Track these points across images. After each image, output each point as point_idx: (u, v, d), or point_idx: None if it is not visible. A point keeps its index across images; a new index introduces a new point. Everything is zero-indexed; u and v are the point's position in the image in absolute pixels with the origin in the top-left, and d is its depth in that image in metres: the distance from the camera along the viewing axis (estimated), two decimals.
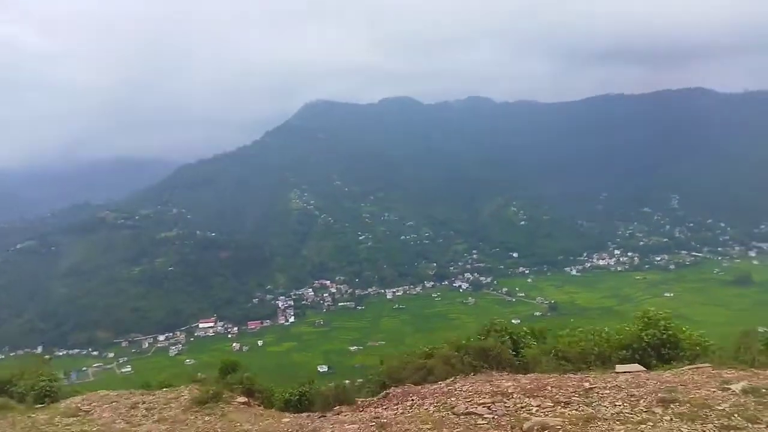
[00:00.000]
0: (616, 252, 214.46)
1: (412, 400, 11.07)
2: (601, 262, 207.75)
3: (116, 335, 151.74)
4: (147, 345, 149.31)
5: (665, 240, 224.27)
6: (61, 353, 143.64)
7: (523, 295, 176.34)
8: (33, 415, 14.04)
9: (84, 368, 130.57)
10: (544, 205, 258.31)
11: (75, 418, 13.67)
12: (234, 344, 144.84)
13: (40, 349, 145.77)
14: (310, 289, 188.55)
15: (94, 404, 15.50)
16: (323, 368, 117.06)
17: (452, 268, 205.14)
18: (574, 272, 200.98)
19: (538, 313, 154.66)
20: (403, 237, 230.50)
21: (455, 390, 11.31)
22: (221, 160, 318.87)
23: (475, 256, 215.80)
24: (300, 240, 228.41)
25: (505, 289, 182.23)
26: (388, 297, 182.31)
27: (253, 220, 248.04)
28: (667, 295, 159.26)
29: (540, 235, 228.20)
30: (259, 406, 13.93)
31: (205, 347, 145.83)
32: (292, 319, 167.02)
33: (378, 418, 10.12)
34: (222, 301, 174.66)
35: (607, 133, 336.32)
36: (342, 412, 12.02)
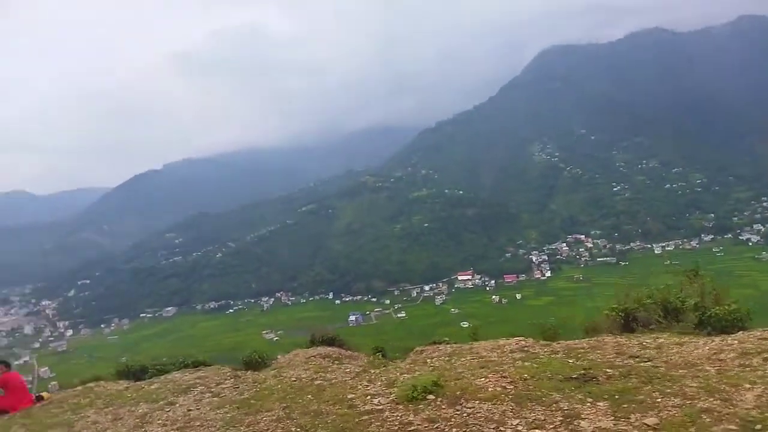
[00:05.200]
0: None
1: None
2: None
3: (388, 285, 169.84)
4: (415, 294, 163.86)
5: None
6: (347, 299, 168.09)
7: None
8: None
9: (367, 312, 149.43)
10: None
11: None
12: (493, 297, 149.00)
13: (330, 296, 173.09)
14: (564, 244, 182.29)
15: None
16: None
17: (735, 218, 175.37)
18: None
19: None
20: (668, 186, 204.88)
21: None
22: (459, 120, 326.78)
23: (765, 204, 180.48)
24: (546, 194, 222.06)
25: None
26: (656, 252, 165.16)
27: (495, 177, 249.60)
28: None
29: None
30: None
31: (466, 298, 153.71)
32: (548, 274, 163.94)
33: None
34: (475, 256, 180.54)
35: None
36: None
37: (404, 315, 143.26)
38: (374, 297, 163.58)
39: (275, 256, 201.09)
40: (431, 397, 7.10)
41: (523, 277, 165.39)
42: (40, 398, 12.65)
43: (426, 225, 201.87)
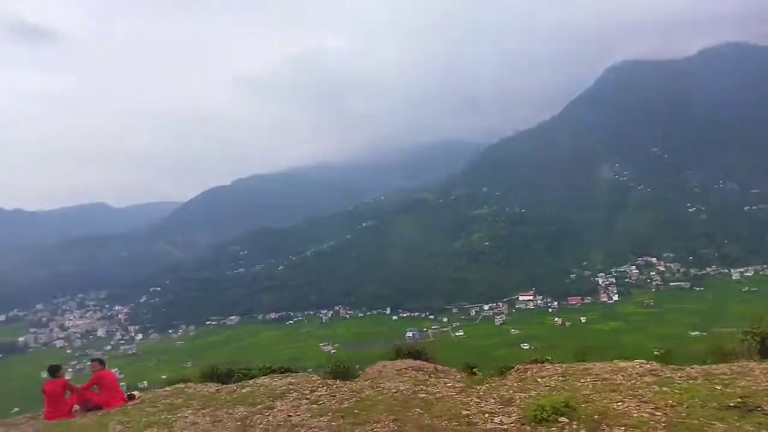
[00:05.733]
0: None
1: None
2: None
3: (446, 302, 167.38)
4: (474, 313, 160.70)
5: None
6: (404, 315, 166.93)
7: None
8: None
9: (424, 329, 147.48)
10: None
11: None
12: (556, 319, 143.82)
13: (387, 311, 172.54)
14: (633, 267, 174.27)
15: None
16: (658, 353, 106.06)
17: None
18: None
19: None
20: (747, 208, 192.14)
21: None
22: (523, 137, 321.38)
23: None
24: (614, 214, 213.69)
25: None
26: (733, 277, 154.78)
27: (560, 196, 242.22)
28: None
29: None
30: None
31: (527, 319, 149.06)
32: (615, 298, 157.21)
33: None
34: (537, 276, 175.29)
35: None
36: None
37: (462, 334, 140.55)
38: (432, 314, 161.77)
39: (334, 270, 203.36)
40: (563, 419, 6.42)
41: (588, 299, 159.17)
42: (131, 397, 12.82)
43: (486, 243, 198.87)
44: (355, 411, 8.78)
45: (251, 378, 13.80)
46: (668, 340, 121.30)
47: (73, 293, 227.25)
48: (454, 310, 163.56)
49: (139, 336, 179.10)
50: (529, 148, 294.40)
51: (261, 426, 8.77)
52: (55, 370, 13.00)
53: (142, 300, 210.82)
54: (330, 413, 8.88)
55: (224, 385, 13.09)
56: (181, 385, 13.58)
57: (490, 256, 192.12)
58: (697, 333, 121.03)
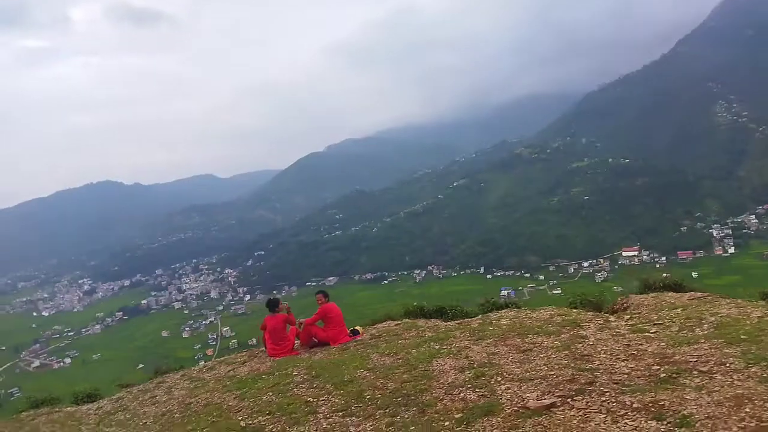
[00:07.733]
0: None
1: None
2: None
3: (543, 260, 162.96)
4: (572, 270, 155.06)
5: None
6: (498, 274, 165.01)
7: None
8: None
9: (520, 288, 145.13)
10: None
11: None
12: (664, 274, 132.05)
13: (482, 270, 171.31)
14: (753, 216, 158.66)
15: None
16: None
17: None
18: None
19: None
20: None
21: None
22: (626, 82, 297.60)
23: None
24: (733, 160, 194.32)
25: None
26: None
27: (668, 143, 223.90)
28: None
29: None
30: None
31: (630, 276, 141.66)
32: (731, 250, 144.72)
33: None
34: (643, 230, 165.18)
35: None
36: None
37: (560, 292, 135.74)
38: (528, 272, 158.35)
39: (428, 230, 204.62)
40: None
41: (701, 253, 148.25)
42: (355, 332, 12.25)
43: (586, 197, 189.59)
44: (732, 335, 7.25)
45: (466, 316, 12.78)
46: None
47: (188, 258, 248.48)
48: (551, 268, 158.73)
49: (248, 297, 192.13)
50: (632, 94, 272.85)
51: (603, 354, 7.48)
52: (274, 305, 12.56)
53: (248, 263, 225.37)
54: (699, 340, 7.35)
55: (456, 321, 12.03)
56: (396, 322, 12.86)
57: (590, 210, 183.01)
58: None
